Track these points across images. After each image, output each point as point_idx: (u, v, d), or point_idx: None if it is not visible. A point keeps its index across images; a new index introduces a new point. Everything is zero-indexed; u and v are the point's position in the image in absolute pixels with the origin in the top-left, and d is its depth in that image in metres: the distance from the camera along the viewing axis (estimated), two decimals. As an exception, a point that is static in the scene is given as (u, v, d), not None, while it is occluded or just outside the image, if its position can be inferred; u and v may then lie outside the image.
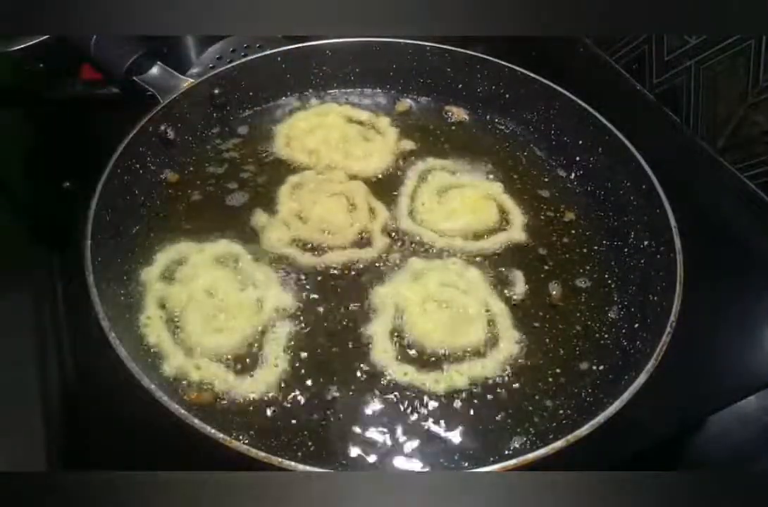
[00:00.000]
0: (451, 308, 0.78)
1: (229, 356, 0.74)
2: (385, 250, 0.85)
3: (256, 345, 0.75)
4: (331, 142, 0.97)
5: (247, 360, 0.74)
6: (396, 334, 0.77)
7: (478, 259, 0.85)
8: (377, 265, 0.84)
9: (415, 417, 0.71)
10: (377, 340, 0.75)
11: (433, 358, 0.75)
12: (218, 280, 0.78)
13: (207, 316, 0.75)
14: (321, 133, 0.98)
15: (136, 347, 0.71)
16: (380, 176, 0.95)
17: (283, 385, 0.72)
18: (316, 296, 0.80)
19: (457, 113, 1.04)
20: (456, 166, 0.96)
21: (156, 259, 0.80)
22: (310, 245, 0.85)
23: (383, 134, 1.00)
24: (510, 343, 0.77)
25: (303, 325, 0.77)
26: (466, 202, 0.89)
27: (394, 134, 1.00)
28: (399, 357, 0.75)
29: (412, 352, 0.75)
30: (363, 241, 0.86)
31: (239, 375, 0.72)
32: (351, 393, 0.72)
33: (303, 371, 0.74)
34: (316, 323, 0.78)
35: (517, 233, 0.88)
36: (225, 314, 0.76)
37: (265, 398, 0.71)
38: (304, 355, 0.75)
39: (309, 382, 0.73)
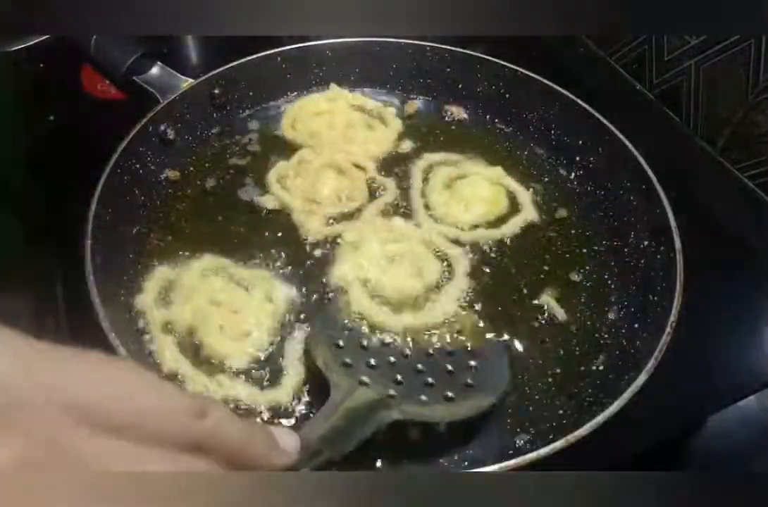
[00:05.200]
0: (402, 258, 0.82)
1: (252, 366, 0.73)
2: (397, 185, 0.92)
3: (271, 350, 0.75)
4: (335, 127, 0.98)
5: (266, 369, 0.73)
6: (374, 295, 0.78)
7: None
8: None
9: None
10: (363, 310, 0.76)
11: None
12: (218, 289, 0.77)
13: (223, 325, 0.74)
14: (327, 117, 1.00)
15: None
16: (379, 162, 0.96)
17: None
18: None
19: (456, 112, 1.04)
20: (455, 158, 0.97)
21: (145, 287, 0.78)
22: (341, 216, 0.88)
23: (387, 124, 1.01)
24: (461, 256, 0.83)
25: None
26: (476, 191, 0.91)
27: (398, 125, 1.01)
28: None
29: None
30: (375, 189, 0.92)
31: (263, 386, 0.72)
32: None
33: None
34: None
35: (530, 212, 0.90)
36: (242, 317, 0.75)
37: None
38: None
39: (312, 382, 0.72)
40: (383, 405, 0.61)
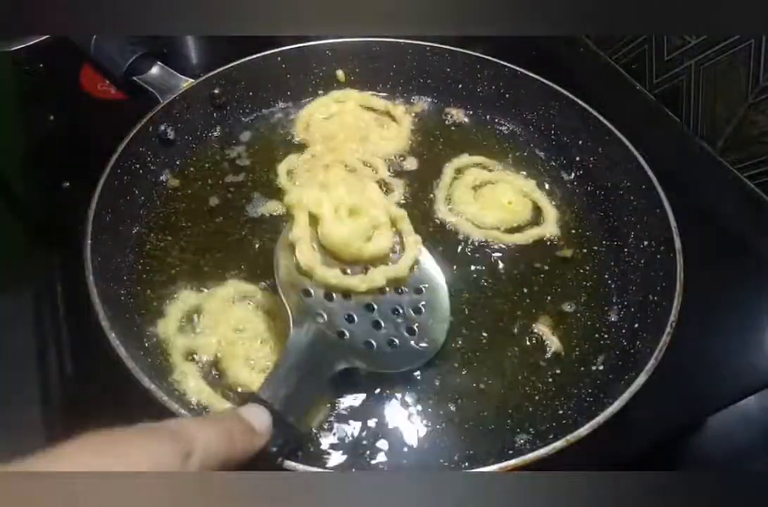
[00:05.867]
0: (361, 217, 0.77)
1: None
2: (404, 189, 0.93)
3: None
4: (347, 128, 0.99)
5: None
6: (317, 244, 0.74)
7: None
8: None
9: (415, 419, 0.71)
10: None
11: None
12: (244, 318, 0.75)
13: (248, 357, 0.72)
14: (338, 119, 1.01)
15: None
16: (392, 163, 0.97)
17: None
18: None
19: (457, 114, 1.04)
20: (490, 163, 0.97)
21: (168, 312, 0.76)
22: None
23: (398, 122, 1.02)
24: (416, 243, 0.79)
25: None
26: (501, 198, 0.92)
27: (408, 122, 1.02)
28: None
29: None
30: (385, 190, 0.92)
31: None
32: (354, 397, 0.72)
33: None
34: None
35: (550, 229, 0.89)
36: (267, 348, 0.73)
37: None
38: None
39: (336, 414, 0.71)
40: (334, 350, 0.65)
